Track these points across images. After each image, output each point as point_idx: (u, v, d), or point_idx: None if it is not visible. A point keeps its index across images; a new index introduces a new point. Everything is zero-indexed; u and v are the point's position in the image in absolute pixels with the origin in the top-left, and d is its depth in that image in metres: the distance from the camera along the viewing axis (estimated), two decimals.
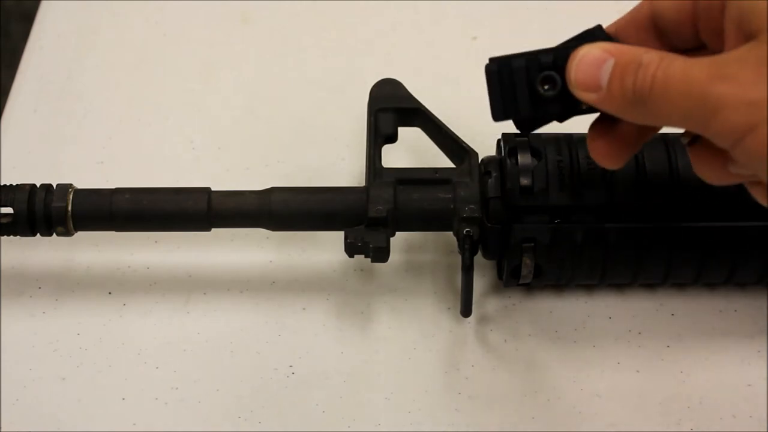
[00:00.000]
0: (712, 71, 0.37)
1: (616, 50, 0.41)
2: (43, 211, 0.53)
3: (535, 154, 0.52)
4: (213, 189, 0.54)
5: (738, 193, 0.45)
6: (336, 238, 0.54)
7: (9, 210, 0.53)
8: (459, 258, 0.52)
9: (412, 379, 0.54)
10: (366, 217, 0.53)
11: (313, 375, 0.54)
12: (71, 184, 0.54)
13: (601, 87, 0.41)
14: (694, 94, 0.38)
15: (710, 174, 0.42)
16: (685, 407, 0.52)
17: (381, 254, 0.53)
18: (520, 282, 0.54)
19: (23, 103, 0.66)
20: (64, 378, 0.54)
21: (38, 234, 0.54)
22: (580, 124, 0.46)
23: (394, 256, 0.56)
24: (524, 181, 0.51)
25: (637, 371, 0.54)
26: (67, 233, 0.54)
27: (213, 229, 0.55)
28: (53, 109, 0.66)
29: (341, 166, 0.62)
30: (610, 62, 0.41)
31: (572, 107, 0.43)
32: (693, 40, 0.43)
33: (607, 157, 0.45)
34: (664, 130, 0.43)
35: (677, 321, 0.56)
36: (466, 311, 0.54)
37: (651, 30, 0.44)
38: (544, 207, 0.52)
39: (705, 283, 0.56)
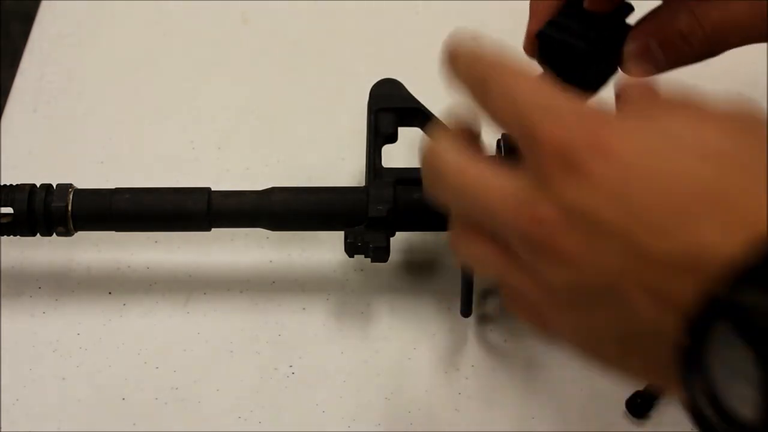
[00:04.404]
0: None
1: None
2: (43, 211, 0.53)
3: None
4: (213, 189, 0.54)
5: None
6: (336, 238, 0.54)
7: (9, 210, 0.53)
8: None
9: (412, 379, 0.54)
10: (366, 217, 0.53)
11: (313, 375, 0.54)
12: (71, 184, 0.54)
13: None
14: None
15: None
16: None
17: (381, 254, 0.53)
18: None
19: (23, 103, 0.66)
20: (64, 378, 0.54)
21: (38, 234, 0.54)
22: None
23: (394, 256, 0.56)
24: None
25: None
26: (67, 233, 0.54)
27: (213, 229, 0.55)
28: (53, 109, 0.66)
29: (341, 166, 0.62)
30: None
31: None
32: None
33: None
34: None
35: None
36: (466, 311, 0.54)
37: None
38: None
39: None
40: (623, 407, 0.52)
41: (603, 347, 0.37)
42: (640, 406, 0.51)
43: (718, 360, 0.31)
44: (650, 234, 0.33)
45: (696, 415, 0.32)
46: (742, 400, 0.31)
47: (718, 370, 0.31)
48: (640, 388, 0.51)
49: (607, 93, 0.43)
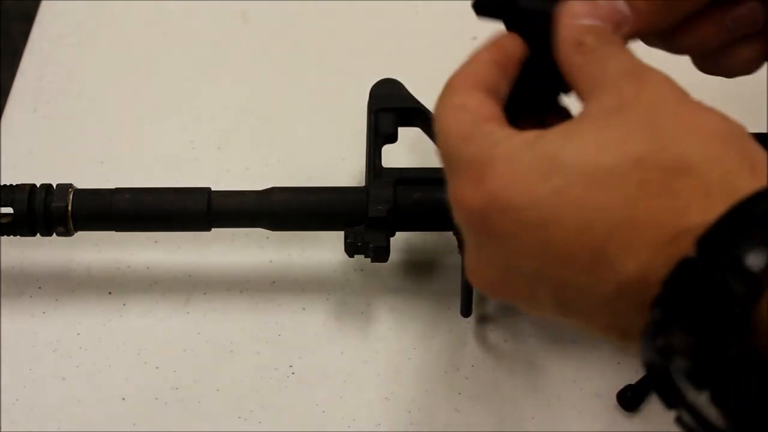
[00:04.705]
0: None
1: None
2: (43, 211, 0.53)
3: None
4: (213, 189, 0.54)
5: None
6: (336, 238, 0.54)
7: (9, 210, 0.53)
8: (459, 258, 0.52)
9: (412, 379, 0.54)
10: (366, 217, 0.53)
11: (313, 375, 0.54)
12: (71, 184, 0.54)
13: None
14: None
15: None
16: None
17: (381, 254, 0.53)
18: None
19: (23, 103, 0.66)
20: (64, 378, 0.54)
21: (38, 234, 0.54)
22: None
23: (394, 256, 0.56)
24: None
25: (637, 371, 0.53)
26: (67, 233, 0.54)
27: (213, 229, 0.55)
28: (53, 109, 0.66)
29: (341, 166, 0.62)
30: None
31: None
32: None
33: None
34: None
35: None
36: (466, 311, 0.54)
37: None
38: None
39: None
40: (614, 401, 0.52)
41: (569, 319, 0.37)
42: (630, 400, 0.51)
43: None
44: (575, 279, 0.34)
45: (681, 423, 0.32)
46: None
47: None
48: (632, 382, 0.52)
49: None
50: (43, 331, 0.56)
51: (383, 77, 0.58)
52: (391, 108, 0.57)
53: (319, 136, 0.64)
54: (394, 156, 0.59)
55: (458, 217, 0.37)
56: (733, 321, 0.29)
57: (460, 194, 0.36)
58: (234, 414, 0.53)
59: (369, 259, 0.53)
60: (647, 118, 0.34)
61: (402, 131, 0.57)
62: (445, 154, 0.38)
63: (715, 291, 0.30)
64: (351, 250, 0.53)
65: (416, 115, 0.57)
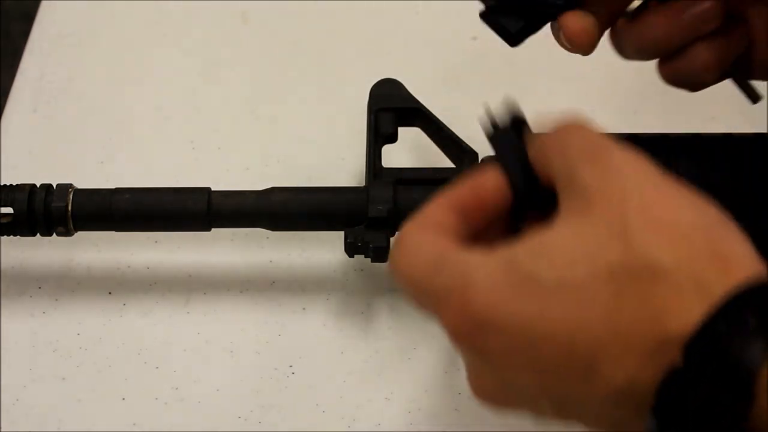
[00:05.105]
0: None
1: None
2: (43, 211, 0.53)
3: None
4: (213, 189, 0.54)
5: None
6: (336, 238, 0.54)
7: (9, 210, 0.53)
8: None
9: (412, 379, 0.54)
10: (366, 217, 0.53)
11: (313, 375, 0.54)
12: (71, 184, 0.54)
13: None
14: None
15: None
16: None
17: (381, 254, 0.53)
18: None
19: (23, 103, 0.66)
20: (64, 378, 0.54)
21: (38, 234, 0.54)
22: None
23: None
24: None
25: None
26: (67, 233, 0.54)
27: (213, 229, 0.55)
28: (53, 109, 0.66)
29: (341, 166, 0.62)
30: None
31: None
32: None
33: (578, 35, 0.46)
34: None
35: None
36: None
37: None
38: None
39: None
40: None
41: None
42: None
43: None
44: (570, 390, 0.34)
45: None
46: None
47: None
48: None
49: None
50: (43, 331, 0.56)
51: (383, 77, 0.58)
52: (391, 108, 0.57)
53: (319, 136, 0.64)
54: (394, 156, 0.59)
55: (452, 343, 0.37)
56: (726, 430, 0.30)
57: (447, 323, 0.37)
58: (234, 414, 0.53)
59: (369, 259, 0.53)
60: (614, 219, 0.34)
61: (402, 131, 0.57)
62: (416, 292, 0.38)
63: (705, 401, 0.30)
64: (351, 250, 0.53)
65: (416, 115, 0.57)
